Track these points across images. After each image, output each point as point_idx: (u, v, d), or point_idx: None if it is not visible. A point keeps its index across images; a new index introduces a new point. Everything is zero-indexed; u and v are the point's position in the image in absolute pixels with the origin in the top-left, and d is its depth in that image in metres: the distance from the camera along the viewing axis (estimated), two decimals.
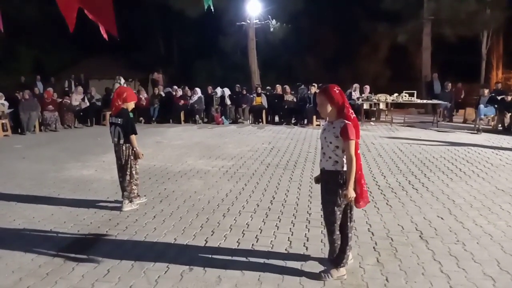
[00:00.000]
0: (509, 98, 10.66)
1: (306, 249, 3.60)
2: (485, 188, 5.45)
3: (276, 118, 13.76)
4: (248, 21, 17.98)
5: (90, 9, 2.85)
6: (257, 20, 18.05)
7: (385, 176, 6.09)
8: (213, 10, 4.53)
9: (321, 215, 4.37)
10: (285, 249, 3.60)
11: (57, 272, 3.23)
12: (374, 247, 3.56)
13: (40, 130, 12.00)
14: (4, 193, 5.49)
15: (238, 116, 13.75)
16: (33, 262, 3.43)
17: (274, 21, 18.36)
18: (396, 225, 4.12)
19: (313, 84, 12.96)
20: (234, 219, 4.37)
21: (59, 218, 4.50)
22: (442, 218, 4.31)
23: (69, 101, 13.12)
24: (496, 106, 10.96)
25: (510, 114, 10.56)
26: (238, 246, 3.70)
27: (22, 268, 3.31)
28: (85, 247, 3.72)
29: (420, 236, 3.85)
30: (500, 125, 10.82)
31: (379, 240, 3.71)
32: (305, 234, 3.93)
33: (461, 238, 3.80)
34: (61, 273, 3.22)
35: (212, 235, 3.96)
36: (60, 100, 13.04)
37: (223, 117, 13.63)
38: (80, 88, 14.16)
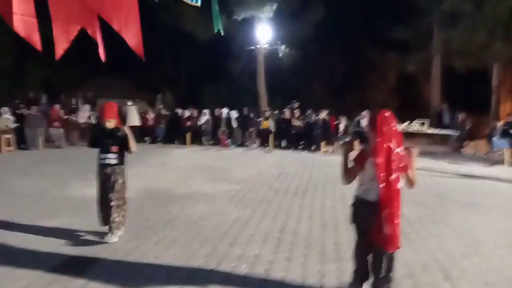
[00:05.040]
0: None
1: (322, 286, 3.29)
2: (508, 223, 5.13)
3: (283, 143, 13.55)
4: (258, 46, 18.07)
5: (121, 31, 2.78)
6: (267, 45, 18.14)
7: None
8: (222, 34, 4.38)
9: (336, 247, 4.12)
10: (299, 286, 3.29)
11: None
12: None
13: (44, 146, 11.84)
14: (1, 211, 5.24)
15: (245, 140, 13.57)
16: None
17: (283, 47, 18.46)
18: (417, 262, 3.81)
19: (321, 110, 12.83)
20: (242, 249, 4.07)
21: (55, 240, 4.23)
22: (466, 257, 4.00)
23: (75, 119, 13.03)
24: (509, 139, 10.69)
25: None
26: (247, 280, 3.40)
27: None
28: (82, 274, 3.43)
29: (445, 276, 3.54)
30: None
31: (402, 280, 3.39)
32: (320, 269, 3.63)
33: (490, 280, 3.48)
34: None
35: (218, 266, 3.67)
36: (66, 117, 12.96)
37: (229, 139, 13.46)
38: (86, 106, 14.11)
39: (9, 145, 11.04)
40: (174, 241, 4.28)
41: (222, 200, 6.12)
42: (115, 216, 4.19)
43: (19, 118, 11.78)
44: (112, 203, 4.19)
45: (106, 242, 4.12)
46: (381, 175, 2.79)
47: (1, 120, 11.10)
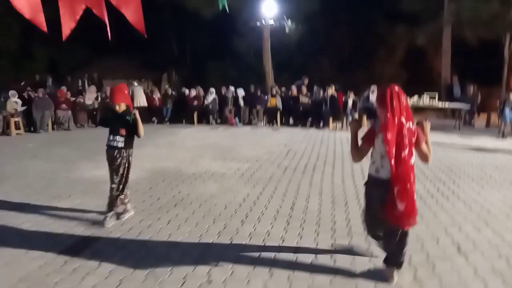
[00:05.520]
0: None
1: (334, 261, 3.30)
2: None
3: (291, 120, 13.46)
4: (263, 22, 17.73)
5: (120, 6, 2.73)
6: (272, 21, 17.79)
7: None
8: (228, 11, 4.29)
9: (347, 223, 4.13)
10: (311, 262, 3.31)
11: (66, 282, 3.00)
12: (409, 262, 3.24)
13: (53, 129, 11.91)
14: (14, 193, 5.31)
15: (252, 118, 13.51)
16: (41, 269, 3.20)
17: (289, 22, 18.09)
18: (430, 237, 3.79)
19: (331, 85, 12.65)
20: (254, 227, 4.09)
21: (69, 221, 4.28)
22: (479, 230, 3.97)
23: (82, 100, 13.04)
24: None
25: None
26: (259, 256, 3.42)
27: (29, 276, 3.09)
28: (96, 253, 3.48)
29: (458, 249, 3.52)
30: None
31: (414, 254, 3.38)
32: (332, 244, 3.64)
33: (503, 252, 3.46)
34: (70, 283, 2.98)
35: (230, 243, 3.70)
36: (74, 99, 12.97)
37: (236, 118, 13.40)
38: (93, 87, 14.08)
39: (18, 128, 11.11)
40: (186, 220, 4.31)
41: (231, 178, 6.13)
42: (114, 197, 4.24)
43: (27, 101, 11.80)
44: (113, 186, 4.24)
45: (119, 220, 4.24)
46: (392, 151, 2.73)
47: (9, 103, 11.14)
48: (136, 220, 4.28)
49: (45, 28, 2.48)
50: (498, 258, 3.36)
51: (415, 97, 12.57)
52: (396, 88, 2.83)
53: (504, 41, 16.63)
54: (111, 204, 4.26)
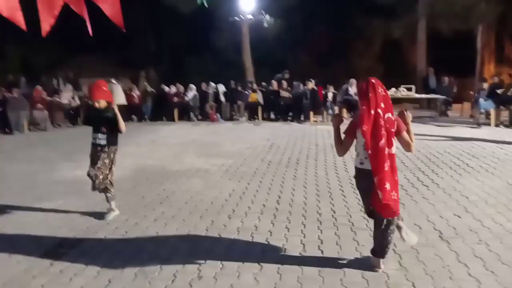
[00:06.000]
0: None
1: (322, 252, 3.36)
2: (497, 183, 5.27)
3: (272, 115, 13.51)
4: (242, 17, 17.66)
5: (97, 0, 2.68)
6: (251, 16, 17.73)
7: None
8: (206, 5, 4.26)
9: (332, 214, 4.21)
10: (299, 253, 3.36)
11: (53, 284, 2.95)
12: (394, 250, 3.33)
13: (29, 129, 11.60)
14: None
15: (233, 113, 13.49)
16: (26, 272, 3.13)
17: (267, 17, 18.07)
18: (412, 225, 3.89)
19: (310, 79, 12.75)
20: (241, 221, 4.11)
21: (52, 222, 4.21)
22: (459, 217, 4.11)
23: (58, 100, 12.72)
24: (495, 99, 10.84)
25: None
26: (248, 250, 3.45)
27: (14, 280, 3.02)
28: (82, 254, 3.43)
29: (440, 236, 3.64)
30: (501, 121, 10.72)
31: (398, 242, 3.45)
32: (318, 236, 3.70)
33: (483, 237, 3.59)
34: (58, 285, 2.94)
35: (219, 238, 3.71)
36: (50, 98, 12.63)
37: (218, 114, 13.35)
38: (69, 86, 13.75)
39: None
40: (172, 217, 4.30)
41: (216, 174, 6.13)
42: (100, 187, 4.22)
43: (1, 102, 11.42)
44: (95, 180, 4.14)
45: (104, 220, 4.24)
46: (368, 141, 2.79)
47: None
48: (121, 219, 4.24)
49: (24, 26, 2.42)
50: (478, 243, 3.49)
51: (392, 90, 12.78)
52: (373, 80, 2.88)
53: (476, 33, 17.13)
54: (104, 190, 4.24)
